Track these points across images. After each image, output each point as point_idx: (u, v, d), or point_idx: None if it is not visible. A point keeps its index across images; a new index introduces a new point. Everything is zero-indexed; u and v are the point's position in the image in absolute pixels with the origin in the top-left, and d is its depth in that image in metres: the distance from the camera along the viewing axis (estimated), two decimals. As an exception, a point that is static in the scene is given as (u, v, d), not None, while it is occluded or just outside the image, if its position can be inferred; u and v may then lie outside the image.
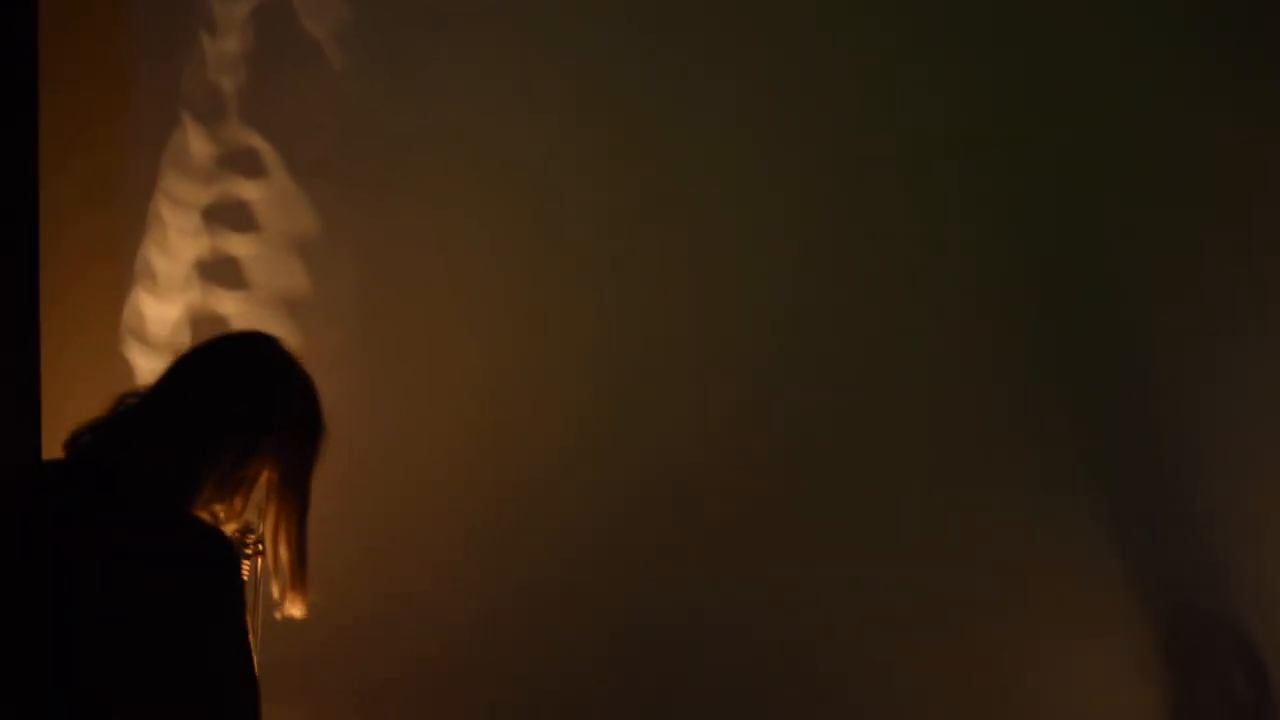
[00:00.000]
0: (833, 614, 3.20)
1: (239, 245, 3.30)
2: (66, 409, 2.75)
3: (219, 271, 3.29)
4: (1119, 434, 3.26)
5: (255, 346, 2.22)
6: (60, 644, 1.88)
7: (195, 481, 2.05)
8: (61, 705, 1.86)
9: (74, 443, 2.06)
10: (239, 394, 2.12)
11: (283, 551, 2.19)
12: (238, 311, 3.27)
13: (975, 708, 3.19)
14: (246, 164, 3.31)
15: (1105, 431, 3.25)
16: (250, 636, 2.59)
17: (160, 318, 3.27)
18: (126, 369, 3.23)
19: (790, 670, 3.19)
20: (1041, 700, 3.18)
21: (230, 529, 2.47)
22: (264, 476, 2.16)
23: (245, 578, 2.56)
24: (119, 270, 3.28)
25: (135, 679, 1.88)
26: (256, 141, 3.31)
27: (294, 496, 2.16)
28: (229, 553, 2.01)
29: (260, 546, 2.61)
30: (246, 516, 2.58)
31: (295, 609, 2.28)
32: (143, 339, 3.26)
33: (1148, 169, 3.28)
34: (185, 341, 3.21)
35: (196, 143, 3.32)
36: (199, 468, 2.05)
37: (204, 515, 2.11)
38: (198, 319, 3.26)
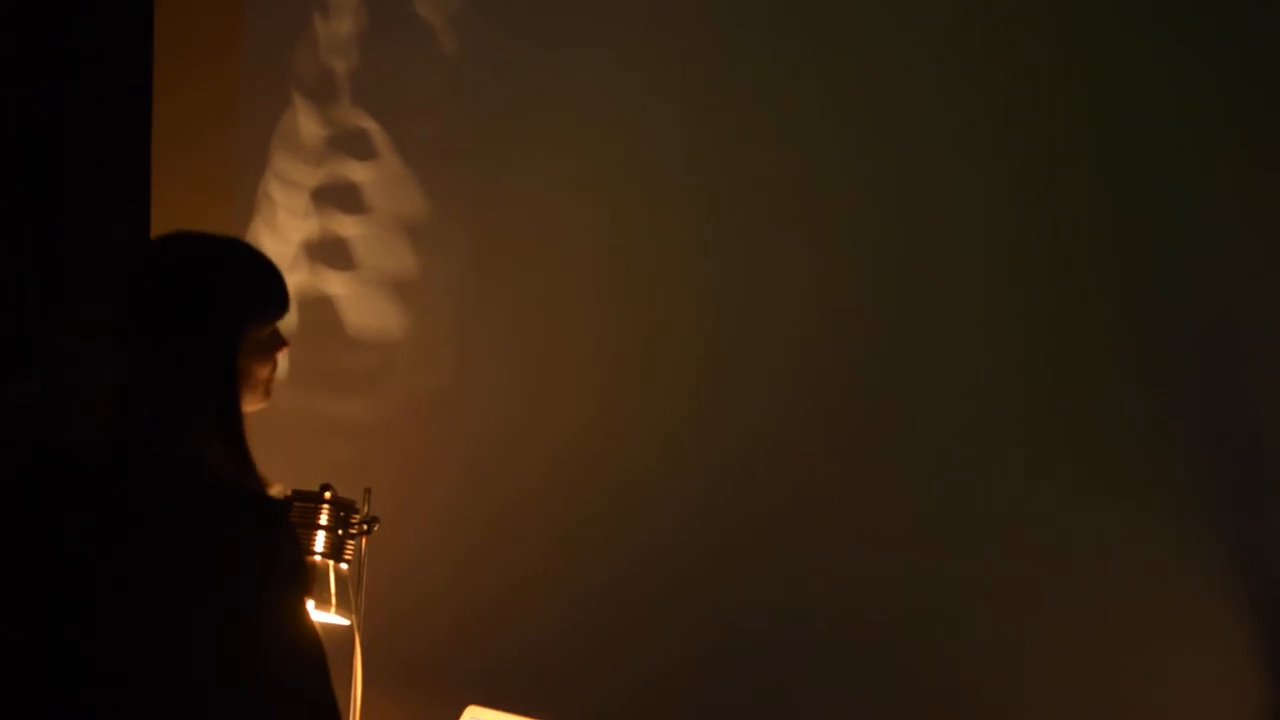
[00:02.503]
0: (928, 615, 3.12)
1: (348, 226, 3.29)
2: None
3: (328, 252, 3.29)
4: (1218, 433, 3.13)
5: (169, 248, 2.02)
6: (106, 640, 1.81)
7: (201, 429, 1.92)
8: (111, 699, 1.80)
9: (83, 445, 1.96)
10: (187, 309, 1.94)
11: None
12: (345, 292, 3.26)
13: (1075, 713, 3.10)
14: (357, 145, 3.30)
15: (1208, 431, 3.13)
16: (354, 615, 2.58)
17: (268, 297, 3.27)
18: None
19: (892, 675, 3.12)
20: (1140, 706, 3.08)
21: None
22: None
23: (349, 558, 2.54)
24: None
25: (189, 665, 1.80)
26: (367, 123, 3.30)
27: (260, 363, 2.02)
28: (275, 519, 1.89)
29: (365, 526, 2.59)
30: (357, 505, 2.57)
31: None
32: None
33: (1241, 157, 3.15)
34: (292, 321, 3.19)
35: (308, 124, 3.31)
36: (199, 417, 1.92)
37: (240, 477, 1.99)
38: (305, 299, 3.25)
